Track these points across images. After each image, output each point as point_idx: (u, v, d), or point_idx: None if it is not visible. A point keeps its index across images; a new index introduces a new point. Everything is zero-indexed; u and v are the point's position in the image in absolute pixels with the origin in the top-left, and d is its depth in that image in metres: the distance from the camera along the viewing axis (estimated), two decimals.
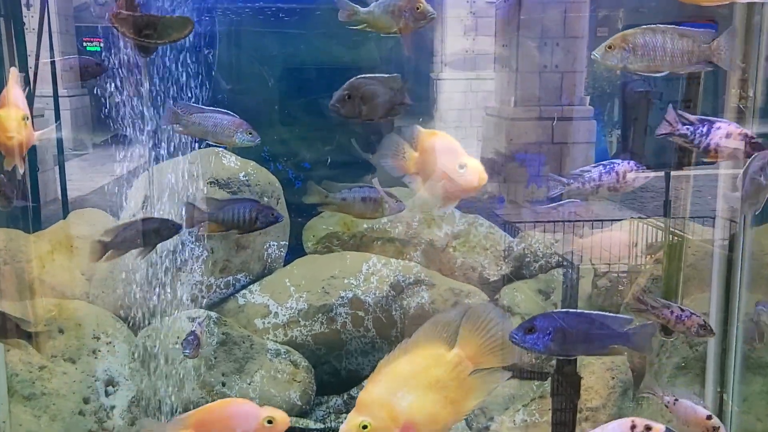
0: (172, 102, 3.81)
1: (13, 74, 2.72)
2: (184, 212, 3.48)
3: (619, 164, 3.15)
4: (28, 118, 2.51)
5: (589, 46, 8.02)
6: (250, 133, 3.17)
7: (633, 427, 2.65)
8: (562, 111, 7.87)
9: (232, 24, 4.81)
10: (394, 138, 2.53)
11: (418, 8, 2.89)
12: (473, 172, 2.36)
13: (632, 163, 3.17)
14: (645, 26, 2.76)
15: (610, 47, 2.73)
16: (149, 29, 3.02)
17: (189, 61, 4.18)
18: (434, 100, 10.90)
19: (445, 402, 2.04)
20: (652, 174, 3.33)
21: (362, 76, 2.81)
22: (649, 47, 2.73)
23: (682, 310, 3.32)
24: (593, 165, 3.17)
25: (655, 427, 2.58)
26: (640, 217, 5.03)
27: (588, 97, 8.14)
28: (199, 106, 3.27)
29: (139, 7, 3.18)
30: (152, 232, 3.21)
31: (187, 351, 3.45)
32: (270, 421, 2.22)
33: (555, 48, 8.06)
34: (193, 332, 3.53)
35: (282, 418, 2.28)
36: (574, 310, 2.92)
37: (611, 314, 2.84)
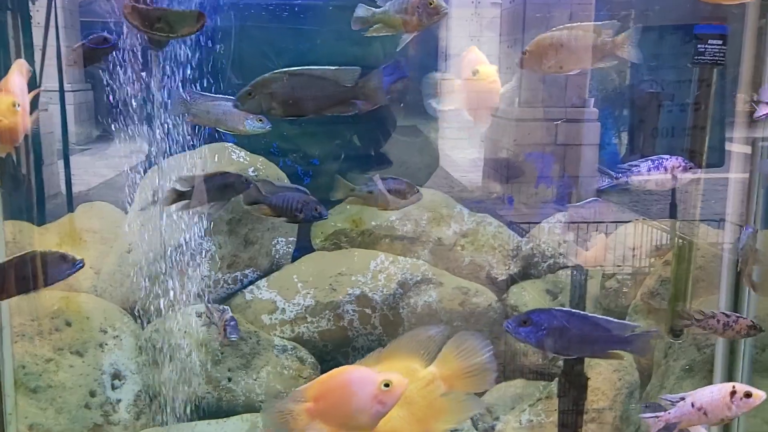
0: (180, 90, 3.79)
1: (18, 64, 2.72)
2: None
3: (667, 160, 3.15)
4: (18, 105, 2.51)
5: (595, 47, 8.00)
6: (260, 120, 3.15)
7: (733, 393, 2.67)
8: (566, 112, 7.87)
9: (243, 19, 4.80)
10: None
11: (431, 3, 2.88)
12: (399, 384, 2.20)
13: (680, 159, 3.18)
14: (554, 28, 2.79)
15: (524, 53, 2.79)
16: (161, 22, 3.01)
17: (199, 55, 4.18)
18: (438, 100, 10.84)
19: (411, 419, 2.04)
20: (700, 172, 3.32)
21: (293, 69, 2.69)
22: (557, 47, 2.73)
23: (728, 315, 3.28)
24: (642, 160, 3.17)
25: (755, 393, 2.60)
26: (644, 219, 5.03)
27: (593, 99, 8.14)
28: (208, 93, 3.27)
29: (151, 1, 3.18)
30: (226, 187, 3.22)
31: (234, 336, 3.38)
32: (387, 385, 2.16)
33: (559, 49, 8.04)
34: (232, 316, 3.48)
35: (399, 380, 2.17)
36: (577, 311, 2.92)
37: (615, 320, 2.84)
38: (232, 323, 3.40)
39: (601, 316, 2.83)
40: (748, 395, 2.70)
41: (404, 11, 2.88)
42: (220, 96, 3.24)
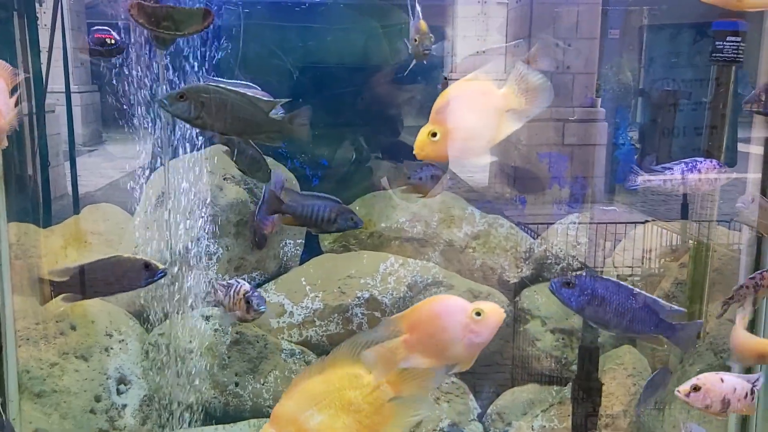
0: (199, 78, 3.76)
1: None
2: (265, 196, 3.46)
3: (701, 162, 3.11)
4: None
5: (602, 47, 7.94)
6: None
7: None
8: (573, 112, 7.80)
9: (250, 17, 4.73)
10: None
11: (415, 40, 3.25)
12: (492, 313, 2.19)
13: (715, 161, 3.14)
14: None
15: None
16: (168, 20, 2.96)
17: (206, 54, 4.12)
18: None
19: (359, 426, 1.96)
20: (735, 174, 3.27)
21: (231, 87, 2.66)
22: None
23: (752, 278, 3.27)
24: (675, 162, 3.12)
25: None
26: (654, 220, 4.96)
27: (599, 99, 8.07)
28: (224, 80, 3.20)
29: None
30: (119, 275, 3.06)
31: (263, 307, 3.05)
32: (478, 313, 2.10)
33: (567, 49, 7.98)
34: (252, 287, 3.17)
35: (491, 309, 2.13)
36: (624, 284, 2.81)
37: (662, 300, 2.74)
38: (255, 293, 3.04)
39: (648, 294, 2.73)
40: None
41: (412, 41, 3.23)
42: (236, 81, 3.17)
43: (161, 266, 2.96)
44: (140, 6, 2.94)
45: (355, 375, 1.99)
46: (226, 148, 3.41)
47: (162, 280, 4.15)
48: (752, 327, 3.94)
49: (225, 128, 2.68)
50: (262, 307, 2.98)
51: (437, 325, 2.13)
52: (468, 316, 2.09)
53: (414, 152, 2.15)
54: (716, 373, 2.72)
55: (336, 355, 2.02)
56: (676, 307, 2.73)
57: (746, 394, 2.70)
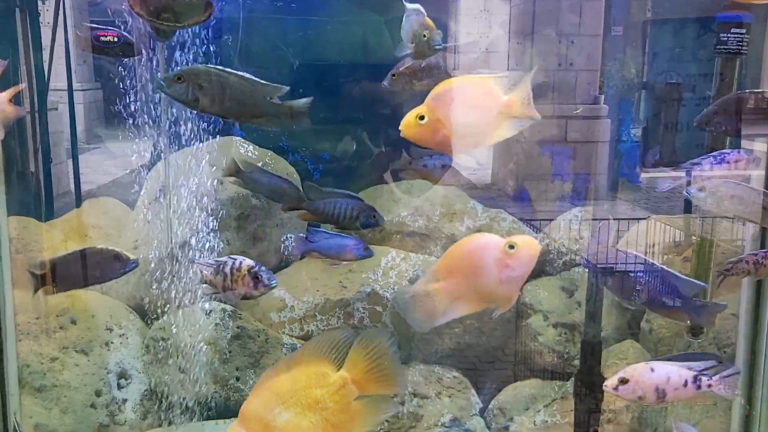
0: None
1: None
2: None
3: (729, 154, 3.08)
4: None
5: (605, 44, 7.92)
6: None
7: None
8: (577, 107, 7.78)
9: (251, 10, 4.72)
10: None
11: (424, 36, 3.05)
12: (526, 245, 2.14)
13: (742, 152, 3.11)
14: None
15: (394, 75, 2.93)
16: (168, 12, 2.93)
17: (206, 47, 4.10)
18: None
19: (325, 425, 1.96)
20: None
21: (228, 70, 2.64)
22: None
23: (755, 254, 3.29)
24: (703, 157, 3.10)
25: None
26: (656, 216, 4.93)
27: (603, 96, 8.04)
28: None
29: None
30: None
31: (273, 280, 2.86)
32: (512, 247, 2.06)
33: (570, 46, 7.96)
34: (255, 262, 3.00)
35: (524, 241, 2.09)
36: (653, 262, 2.80)
37: (683, 276, 2.73)
38: (262, 267, 2.83)
39: (671, 270, 2.71)
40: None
41: (408, 37, 3.05)
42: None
43: (132, 257, 2.98)
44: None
45: (322, 373, 1.98)
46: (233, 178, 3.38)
47: (161, 274, 4.15)
48: (756, 321, 3.92)
49: (223, 111, 2.66)
50: (273, 282, 2.79)
51: (471, 264, 2.10)
52: (501, 251, 2.06)
53: (399, 128, 2.11)
54: (646, 362, 2.66)
55: (303, 352, 2.02)
56: (696, 282, 2.72)
57: (686, 382, 2.63)
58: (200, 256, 4.24)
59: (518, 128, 2.09)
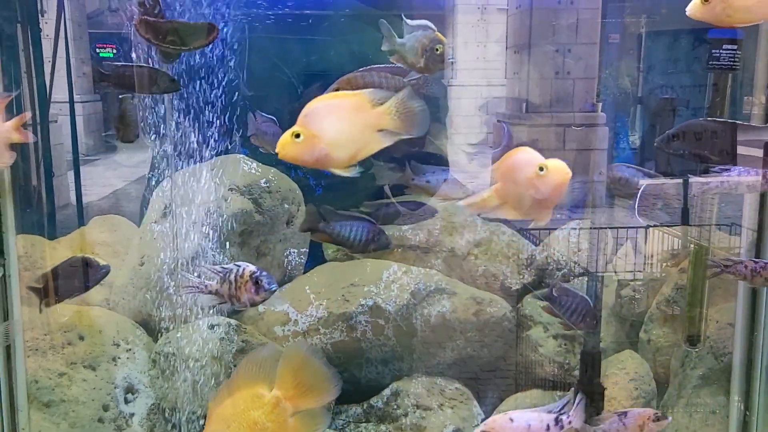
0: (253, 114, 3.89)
1: None
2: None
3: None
4: None
5: (602, 52, 8.00)
6: None
7: None
8: (574, 117, 7.85)
9: (255, 31, 4.80)
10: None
11: (437, 50, 3.02)
12: (555, 170, 2.30)
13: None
14: (362, 69, 2.87)
15: (337, 89, 2.79)
16: (173, 35, 3.01)
17: (213, 67, 4.18)
18: (445, 107, 10.88)
19: None
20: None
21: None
22: (370, 86, 2.78)
23: (755, 262, 3.34)
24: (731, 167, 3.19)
25: None
26: (654, 225, 4.99)
27: (600, 104, 8.12)
28: (270, 116, 3.37)
29: (162, 14, 3.18)
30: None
31: (273, 285, 2.81)
32: (542, 169, 2.18)
33: (567, 54, 8.04)
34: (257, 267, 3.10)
35: (555, 166, 2.21)
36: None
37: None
38: (263, 272, 2.78)
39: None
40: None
41: (415, 49, 2.99)
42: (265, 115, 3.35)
43: (102, 262, 3.14)
44: (146, 22, 2.99)
45: (257, 395, 2.01)
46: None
47: (166, 292, 4.22)
48: (752, 330, 3.99)
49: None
50: (273, 286, 2.74)
51: (512, 176, 2.28)
52: (533, 171, 2.20)
53: (276, 150, 2.12)
54: (505, 413, 2.63)
55: (238, 375, 2.05)
56: None
57: (548, 426, 2.60)
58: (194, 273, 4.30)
59: (392, 140, 2.14)
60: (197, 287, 2.69)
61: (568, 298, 3.58)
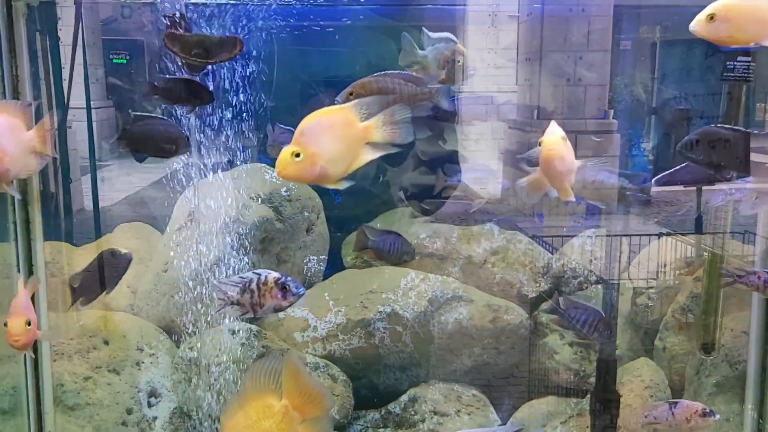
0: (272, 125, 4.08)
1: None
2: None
3: None
4: (30, 324, 2.85)
5: (613, 59, 8.03)
6: None
7: None
8: (585, 124, 7.88)
9: (276, 42, 4.88)
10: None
11: (458, 62, 3.18)
12: (545, 145, 2.55)
13: None
14: (376, 74, 2.93)
15: (351, 94, 2.86)
16: (199, 48, 3.10)
17: (236, 78, 4.27)
18: (456, 113, 10.93)
19: None
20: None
21: None
22: (383, 91, 2.89)
23: None
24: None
25: None
26: (668, 233, 5.03)
27: (612, 111, 8.14)
28: (290, 128, 3.43)
29: (189, 28, 3.28)
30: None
31: (301, 290, 2.92)
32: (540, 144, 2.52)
33: (578, 61, 8.07)
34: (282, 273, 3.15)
35: (546, 141, 2.50)
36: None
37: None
38: (288, 277, 2.82)
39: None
40: None
41: (437, 61, 3.13)
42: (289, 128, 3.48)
43: (124, 251, 3.36)
44: (174, 35, 3.09)
45: (267, 405, 2.05)
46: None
47: (189, 296, 4.30)
48: (766, 338, 4.03)
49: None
50: (300, 290, 2.77)
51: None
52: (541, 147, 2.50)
53: (276, 171, 2.19)
54: None
55: (247, 387, 2.09)
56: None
57: None
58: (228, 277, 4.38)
59: (380, 153, 2.21)
60: (222, 300, 2.73)
61: (577, 310, 3.67)
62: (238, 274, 4.39)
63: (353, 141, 2.17)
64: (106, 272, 3.47)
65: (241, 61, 4.45)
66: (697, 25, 2.50)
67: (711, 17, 2.46)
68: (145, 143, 3.15)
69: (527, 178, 2.75)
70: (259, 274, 2.93)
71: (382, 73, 2.92)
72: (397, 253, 3.45)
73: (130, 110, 3.19)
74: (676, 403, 3.37)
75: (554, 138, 2.58)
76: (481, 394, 4.54)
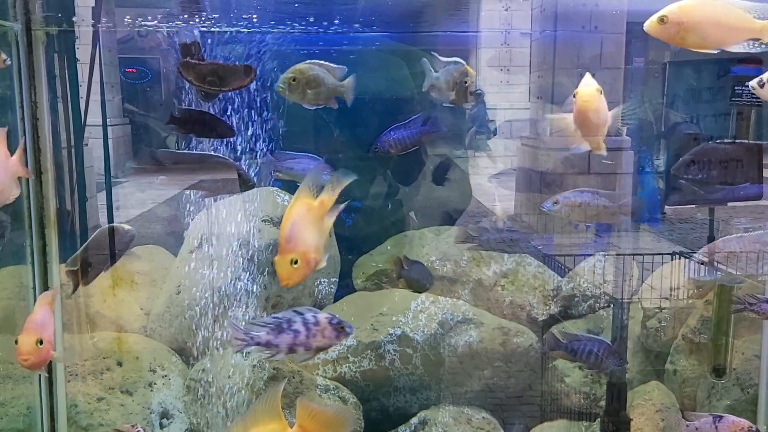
0: (269, 153, 4.21)
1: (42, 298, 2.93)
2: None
3: None
4: (42, 343, 2.71)
5: (626, 76, 8.05)
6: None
7: None
8: (609, 160, 7.88)
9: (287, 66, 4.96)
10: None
11: (466, 82, 3.35)
12: (579, 96, 2.62)
13: None
14: (307, 62, 3.22)
15: (293, 79, 3.16)
16: (213, 76, 3.18)
17: (249, 103, 4.34)
18: (468, 130, 11.00)
19: None
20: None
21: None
22: (315, 80, 3.18)
23: None
24: None
25: None
26: (682, 252, 5.01)
27: (625, 128, 8.15)
28: (291, 152, 3.64)
29: (202, 56, 3.36)
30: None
31: (350, 329, 2.97)
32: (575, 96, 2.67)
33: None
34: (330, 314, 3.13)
35: (580, 92, 2.60)
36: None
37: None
38: (336, 317, 2.79)
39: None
40: None
41: (448, 83, 3.34)
42: (302, 154, 3.64)
43: (127, 227, 3.44)
44: (188, 64, 3.17)
45: (275, 430, 2.09)
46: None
47: (201, 320, 4.36)
48: None
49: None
50: (352, 329, 2.81)
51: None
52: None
53: (281, 284, 2.33)
54: None
55: (255, 412, 2.13)
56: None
57: None
58: (239, 299, 4.44)
59: (336, 213, 2.42)
60: (245, 340, 2.70)
61: (580, 342, 3.69)
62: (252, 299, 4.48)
63: (319, 220, 2.35)
64: (107, 248, 3.56)
65: (253, 86, 4.53)
66: (650, 25, 2.56)
67: (662, 19, 2.50)
68: (192, 125, 3.35)
69: (556, 115, 2.88)
70: (301, 314, 2.91)
71: (310, 61, 3.21)
72: (422, 282, 3.80)
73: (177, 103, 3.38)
74: (721, 417, 3.31)
75: (590, 90, 2.64)
76: (491, 417, 4.54)
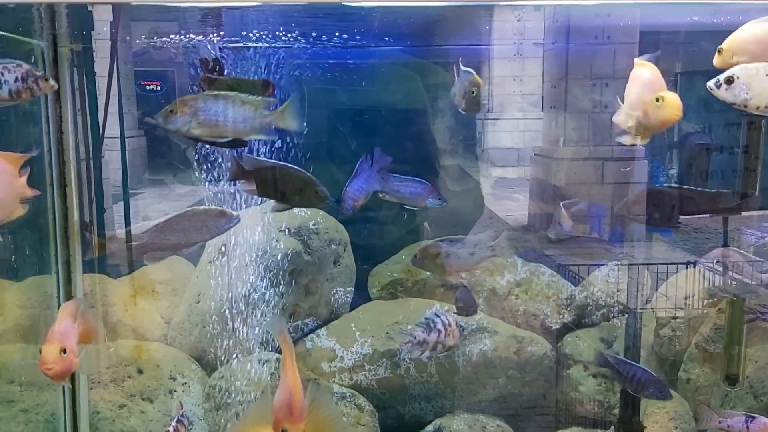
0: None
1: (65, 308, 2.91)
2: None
3: None
4: (65, 352, 2.69)
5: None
6: (439, 198, 3.71)
7: None
8: (612, 150, 7.91)
9: (305, 80, 5.06)
10: None
11: (473, 92, 3.45)
12: (669, 104, 2.63)
13: None
14: (207, 92, 2.94)
15: (171, 111, 2.83)
16: (233, 90, 3.27)
17: None
18: (481, 140, 11.07)
19: None
20: None
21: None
22: (210, 112, 2.85)
23: None
24: None
25: None
26: (695, 262, 5.02)
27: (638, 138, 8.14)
28: (399, 176, 3.64)
29: (222, 70, 3.45)
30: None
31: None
32: (658, 100, 2.59)
33: (604, 89, 8.12)
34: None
35: (669, 101, 2.58)
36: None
37: None
38: (459, 321, 3.35)
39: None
40: None
41: (459, 95, 3.48)
42: (409, 178, 3.64)
43: (235, 213, 3.29)
44: (210, 79, 3.27)
45: None
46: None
47: (220, 328, 4.44)
48: None
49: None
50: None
51: (636, 94, 2.73)
52: (651, 100, 2.62)
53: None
54: None
55: (245, 421, 2.21)
56: None
57: None
58: (257, 308, 4.52)
59: None
60: (411, 341, 2.97)
61: (626, 366, 3.75)
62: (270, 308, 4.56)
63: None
64: (201, 229, 3.33)
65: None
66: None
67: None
68: (261, 177, 3.24)
69: (622, 111, 2.84)
70: (438, 316, 3.29)
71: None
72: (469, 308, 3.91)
73: None
74: (754, 417, 3.34)
75: (679, 103, 2.66)
76: (506, 425, 4.58)
